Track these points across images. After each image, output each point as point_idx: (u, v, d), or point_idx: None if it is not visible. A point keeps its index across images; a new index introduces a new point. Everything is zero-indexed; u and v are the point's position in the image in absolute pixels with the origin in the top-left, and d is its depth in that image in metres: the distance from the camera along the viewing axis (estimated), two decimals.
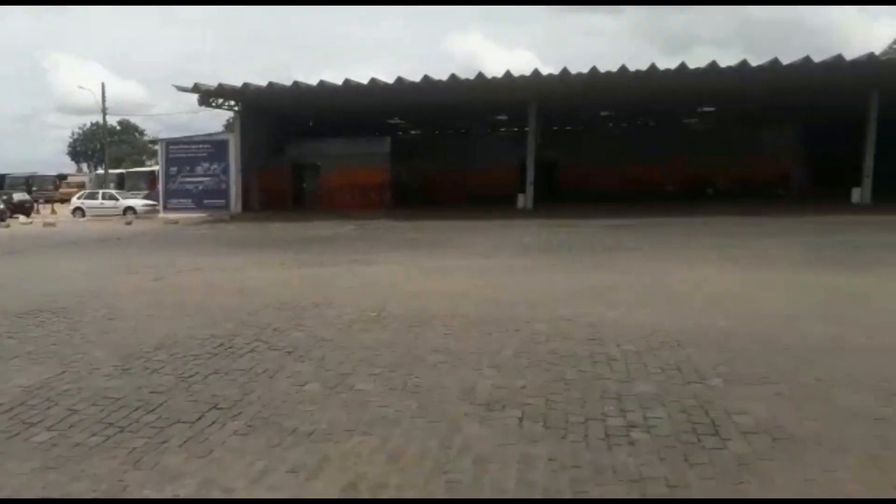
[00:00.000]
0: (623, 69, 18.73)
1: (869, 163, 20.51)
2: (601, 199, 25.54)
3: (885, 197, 19.91)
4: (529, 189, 22.77)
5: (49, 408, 4.00)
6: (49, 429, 3.67)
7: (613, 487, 2.89)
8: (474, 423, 3.65)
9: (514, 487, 2.91)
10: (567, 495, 2.85)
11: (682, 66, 18.54)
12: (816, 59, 18.18)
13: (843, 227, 13.77)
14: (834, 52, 18.47)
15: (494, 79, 20.01)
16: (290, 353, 5.13)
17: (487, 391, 4.16)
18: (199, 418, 3.77)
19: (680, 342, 5.15)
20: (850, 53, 18.40)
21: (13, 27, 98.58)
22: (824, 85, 20.40)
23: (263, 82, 21.77)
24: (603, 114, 30.35)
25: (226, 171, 24.48)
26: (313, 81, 21.75)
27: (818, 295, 6.92)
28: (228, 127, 36.78)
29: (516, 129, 30.03)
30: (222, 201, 24.40)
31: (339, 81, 21.16)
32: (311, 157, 26.07)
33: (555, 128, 31.15)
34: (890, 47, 49.08)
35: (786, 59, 18.55)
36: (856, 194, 20.64)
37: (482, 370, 4.59)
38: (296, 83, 21.62)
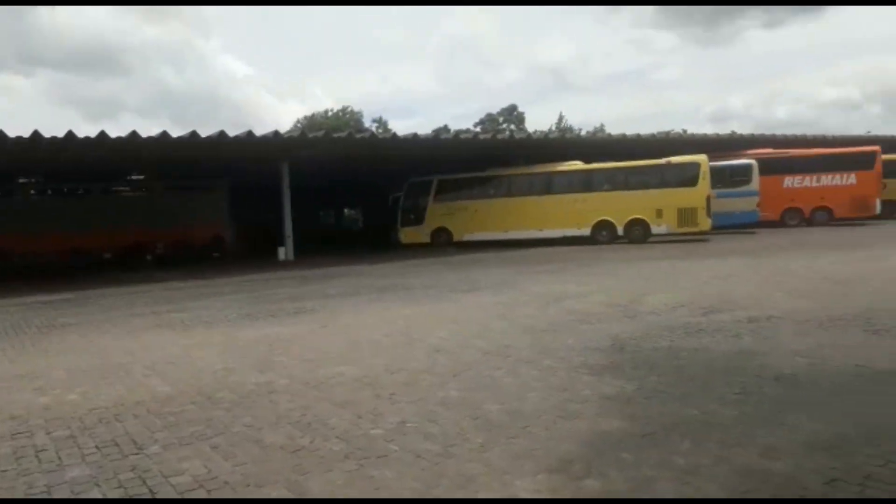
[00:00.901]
0: (36, 134, 17.12)
1: (288, 224, 23.50)
2: (32, 270, 22.83)
3: (306, 253, 23.33)
4: None
5: None
6: None
7: None
8: None
9: None
10: None
11: (103, 133, 18.10)
12: (232, 132, 20.15)
13: (271, 283, 15.40)
14: (255, 126, 20.85)
15: None
16: None
17: None
18: None
19: (118, 416, 4.99)
20: (270, 128, 20.98)
21: None
22: (244, 156, 22.69)
23: None
24: (21, 180, 27.26)
25: None
26: None
27: (252, 346, 7.58)
28: None
29: None
30: None
31: None
32: None
33: None
34: (294, 126, 57.74)
35: (207, 132, 19.99)
36: (281, 253, 23.36)
37: None
38: None
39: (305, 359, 6.74)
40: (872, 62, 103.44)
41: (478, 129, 58.35)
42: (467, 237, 25.25)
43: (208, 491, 3.52)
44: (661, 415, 4.50)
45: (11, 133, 16.93)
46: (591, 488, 3.40)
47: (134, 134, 18.65)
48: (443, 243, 25.35)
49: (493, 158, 25.42)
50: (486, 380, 5.62)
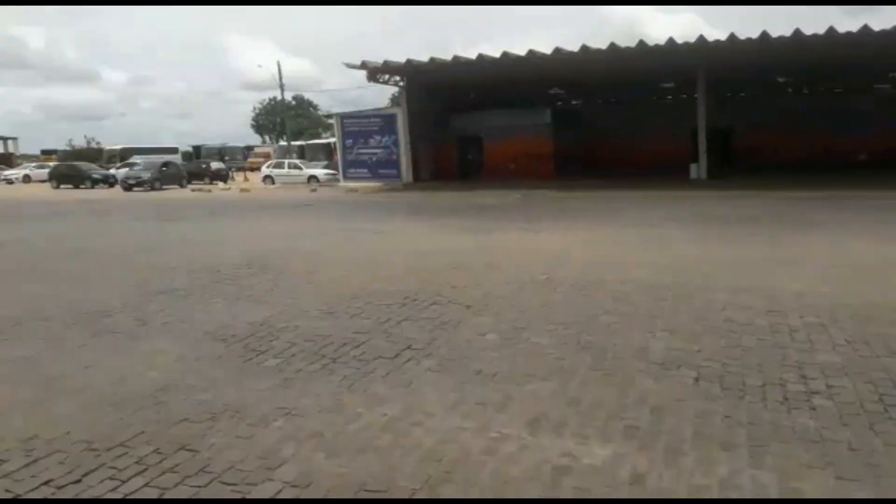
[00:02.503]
0: (797, 33, 17.02)
1: None
2: (781, 168, 23.83)
3: None
4: (703, 158, 21.62)
5: (272, 340, 4.71)
6: (275, 356, 4.36)
7: (793, 445, 2.95)
8: (649, 379, 3.81)
9: (690, 438, 3.05)
10: (742, 449, 2.94)
11: (866, 27, 16.57)
12: None
13: None
14: None
15: (657, 46, 18.92)
16: (468, 307, 5.54)
17: (661, 352, 4.28)
18: (397, 356, 4.28)
19: (870, 317, 4.91)
20: None
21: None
22: None
23: (425, 58, 22.11)
24: (780, 80, 28.05)
25: (396, 143, 25.60)
26: (472, 55, 21.45)
27: None
28: (394, 101, 38.35)
29: (684, 97, 28.56)
30: (394, 171, 25.59)
31: (496, 54, 21.05)
32: (474, 129, 26.56)
33: (727, 94, 29.21)
34: None
35: None
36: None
37: (655, 333, 4.70)
38: (456, 57, 21.65)
39: None
40: None
41: None
42: None
43: None
44: None
45: (773, 33, 17.39)
46: None
47: None
48: None
49: None
50: None
